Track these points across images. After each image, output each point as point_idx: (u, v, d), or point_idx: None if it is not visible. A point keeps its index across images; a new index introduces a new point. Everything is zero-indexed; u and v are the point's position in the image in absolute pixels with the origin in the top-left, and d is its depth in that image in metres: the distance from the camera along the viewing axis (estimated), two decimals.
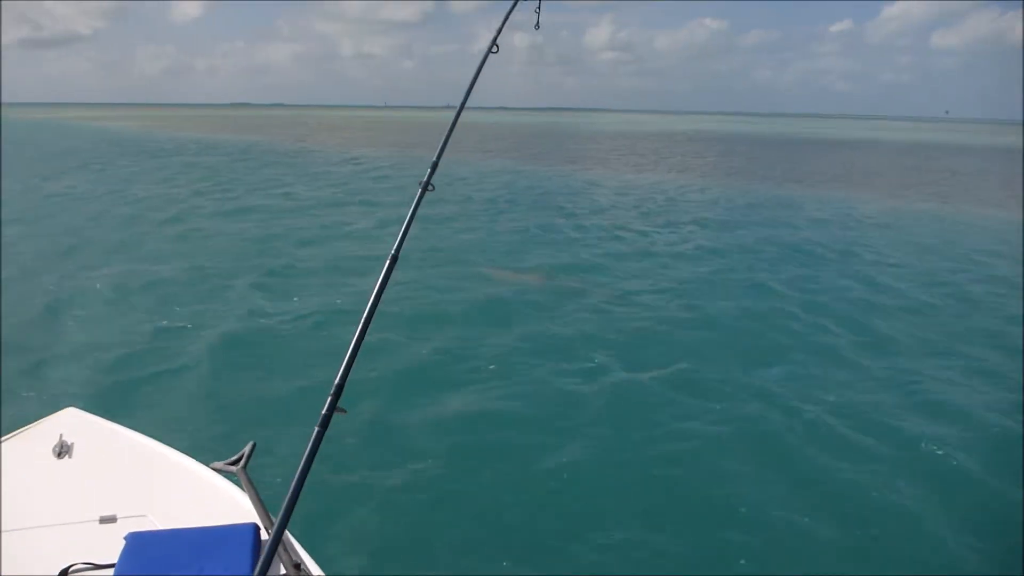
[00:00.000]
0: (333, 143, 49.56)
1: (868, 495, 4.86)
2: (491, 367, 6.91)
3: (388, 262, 2.00)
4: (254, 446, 2.42)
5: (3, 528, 2.06)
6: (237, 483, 2.30)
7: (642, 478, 5.05)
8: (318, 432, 1.71)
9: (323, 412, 1.74)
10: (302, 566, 1.95)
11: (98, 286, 9.64)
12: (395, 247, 2.04)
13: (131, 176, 23.89)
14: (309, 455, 1.67)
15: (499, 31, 2.21)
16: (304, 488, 1.65)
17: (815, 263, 12.55)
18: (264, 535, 2.04)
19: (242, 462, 2.34)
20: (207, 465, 2.42)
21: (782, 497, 4.80)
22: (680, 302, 9.58)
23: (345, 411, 1.75)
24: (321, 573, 1.98)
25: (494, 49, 2.15)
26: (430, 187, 2.21)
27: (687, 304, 9.47)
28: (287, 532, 2.02)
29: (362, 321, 1.88)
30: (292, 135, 58.09)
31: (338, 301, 9.08)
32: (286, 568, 1.87)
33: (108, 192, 19.50)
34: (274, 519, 2.03)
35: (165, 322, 8.14)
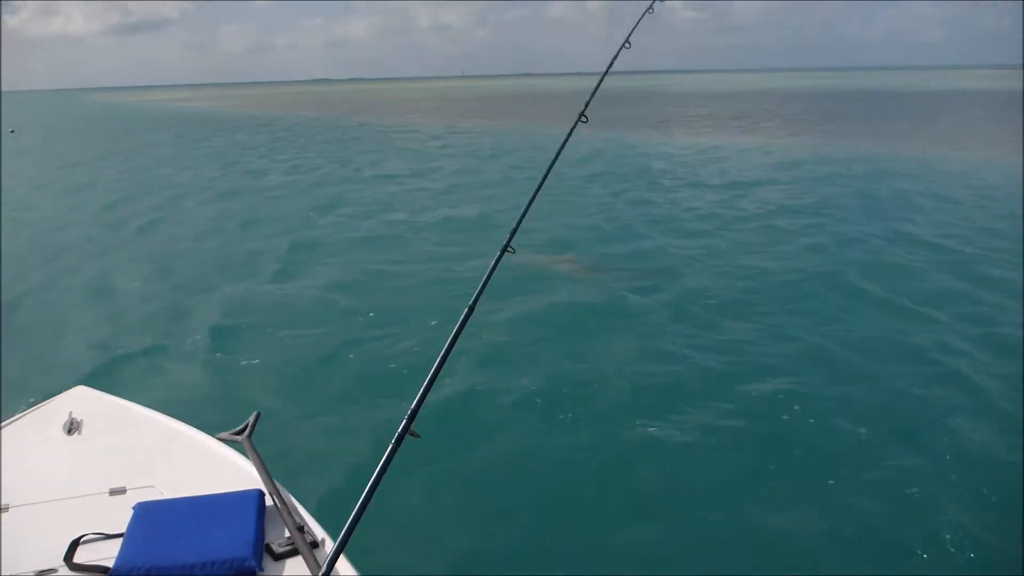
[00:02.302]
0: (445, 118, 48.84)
1: None
2: (537, 399, 5.62)
3: (465, 312, 2.02)
4: (259, 415, 2.50)
5: (17, 502, 2.12)
6: (243, 452, 2.36)
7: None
8: (392, 448, 1.67)
9: (398, 432, 1.70)
10: (305, 528, 2.01)
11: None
12: (473, 300, 2.05)
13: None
14: (379, 472, 1.63)
15: (632, 30, 2.14)
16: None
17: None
18: (268, 500, 2.09)
19: (247, 431, 2.42)
20: (213, 436, 2.49)
21: None
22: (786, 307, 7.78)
23: (419, 436, 1.72)
24: (324, 535, 2.02)
25: (627, 45, 2.08)
26: (510, 249, 2.27)
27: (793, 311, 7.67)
28: (292, 498, 2.16)
29: (439, 359, 1.86)
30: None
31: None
32: (290, 531, 1.94)
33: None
34: (278, 485, 2.18)
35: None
